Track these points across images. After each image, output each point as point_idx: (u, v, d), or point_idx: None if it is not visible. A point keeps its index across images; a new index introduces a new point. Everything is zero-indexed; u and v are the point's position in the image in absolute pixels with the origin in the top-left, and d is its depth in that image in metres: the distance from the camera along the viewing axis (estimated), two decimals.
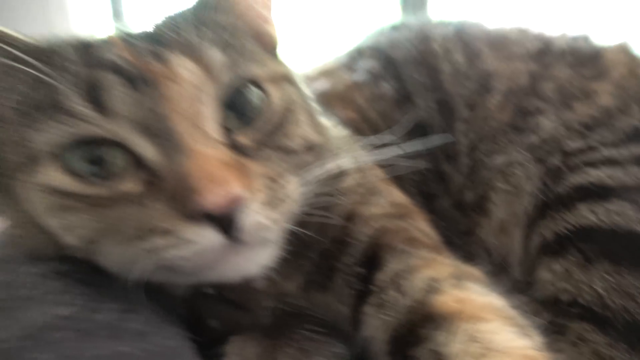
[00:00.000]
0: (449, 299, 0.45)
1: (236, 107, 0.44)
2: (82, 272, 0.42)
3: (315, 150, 0.50)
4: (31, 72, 0.40)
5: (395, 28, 0.83)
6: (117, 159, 0.40)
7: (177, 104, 0.40)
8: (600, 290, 0.50)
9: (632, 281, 0.49)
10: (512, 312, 0.46)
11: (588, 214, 0.55)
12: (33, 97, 0.42)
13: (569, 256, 0.53)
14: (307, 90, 0.55)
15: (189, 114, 0.40)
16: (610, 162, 0.59)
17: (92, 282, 0.42)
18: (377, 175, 0.63)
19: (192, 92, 0.40)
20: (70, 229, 0.41)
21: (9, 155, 0.43)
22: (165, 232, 0.38)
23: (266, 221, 0.40)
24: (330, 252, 0.53)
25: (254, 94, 0.45)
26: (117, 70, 0.40)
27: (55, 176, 0.41)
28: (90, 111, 0.39)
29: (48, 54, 0.42)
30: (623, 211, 0.53)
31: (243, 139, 0.43)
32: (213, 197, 0.36)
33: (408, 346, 0.42)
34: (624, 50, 0.76)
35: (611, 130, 0.63)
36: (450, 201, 0.67)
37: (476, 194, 0.65)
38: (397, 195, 0.62)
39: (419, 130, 0.71)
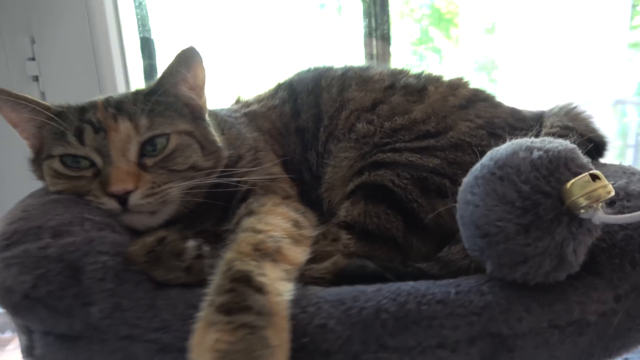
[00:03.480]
0: (264, 208, 0.86)
1: (151, 144, 0.87)
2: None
3: (200, 169, 0.92)
4: (54, 124, 0.88)
5: (307, 70, 1.27)
6: (85, 162, 0.86)
7: (114, 142, 0.85)
8: (355, 214, 0.89)
9: (373, 209, 0.88)
10: (298, 218, 0.87)
11: (365, 176, 0.94)
12: (54, 133, 0.88)
13: (351, 199, 0.93)
14: (215, 137, 0.97)
15: (120, 147, 0.85)
16: (395, 150, 0.98)
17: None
18: (270, 160, 1.06)
19: (125, 138, 0.85)
20: (55, 185, 0.88)
21: (44, 153, 0.90)
22: (96, 197, 0.83)
23: (142, 203, 0.82)
24: (227, 198, 0.96)
25: (160, 140, 0.88)
26: (90, 123, 0.87)
27: (57, 164, 0.88)
28: (76, 143, 0.86)
29: (63, 113, 0.90)
30: (382, 174, 0.92)
31: (148, 161, 0.86)
32: (115, 187, 0.81)
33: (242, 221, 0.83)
34: (451, 83, 1.15)
35: (409, 133, 1.01)
36: (310, 175, 1.08)
37: (321, 169, 1.06)
38: (275, 170, 1.04)
39: (300, 132, 1.14)
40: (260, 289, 0.62)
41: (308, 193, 1.06)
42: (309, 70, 1.27)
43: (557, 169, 0.62)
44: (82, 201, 0.81)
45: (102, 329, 0.63)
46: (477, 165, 0.69)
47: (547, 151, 0.63)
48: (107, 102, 0.91)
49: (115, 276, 0.66)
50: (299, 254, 0.77)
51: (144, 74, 1.97)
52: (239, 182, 0.96)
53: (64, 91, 1.73)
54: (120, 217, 0.84)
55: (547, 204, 0.61)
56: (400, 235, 0.86)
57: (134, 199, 0.82)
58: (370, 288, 0.67)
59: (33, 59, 1.70)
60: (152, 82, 0.95)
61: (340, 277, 0.75)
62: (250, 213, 0.85)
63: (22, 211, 0.75)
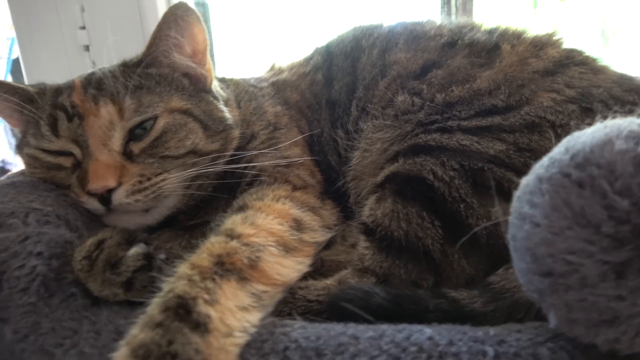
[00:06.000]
0: (260, 203, 0.68)
1: (141, 128, 0.71)
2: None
3: (203, 153, 0.74)
4: (28, 111, 0.73)
5: (353, 29, 1.04)
6: (64, 155, 0.72)
7: (93, 130, 0.68)
8: (379, 215, 0.67)
9: (403, 209, 0.66)
10: (303, 218, 0.68)
11: (399, 163, 0.71)
12: (29, 119, 0.75)
13: (377, 193, 0.71)
14: (223, 114, 0.80)
15: (100, 136, 0.68)
16: (444, 130, 0.73)
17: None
18: (290, 140, 0.87)
19: (106, 124, 0.69)
20: (33, 175, 0.74)
21: (22, 140, 0.77)
22: (76, 194, 0.69)
23: (128, 201, 0.66)
24: (234, 187, 0.80)
25: (150, 122, 0.71)
26: (62, 109, 0.71)
27: (33, 150, 0.73)
28: (50, 134, 0.71)
29: (35, 98, 0.75)
30: (421, 162, 0.68)
31: (134, 147, 0.70)
32: (94, 185, 0.66)
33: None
34: (535, 41, 0.86)
35: (468, 107, 0.76)
36: (337, 159, 0.87)
37: (350, 153, 0.84)
38: (294, 152, 0.85)
39: (331, 106, 0.93)
40: (200, 326, 0.44)
41: (335, 181, 0.86)
42: (354, 29, 1.04)
43: None
44: (43, 186, 0.68)
45: (15, 353, 0.49)
46: (544, 160, 0.44)
47: None
48: (87, 81, 0.75)
49: (43, 286, 0.52)
50: (289, 269, 0.58)
51: None
52: (246, 166, 0.79)
53: (114, 60, 1.68)
54: (106, 218, 0.70)
55: None
56: (437, 247, 0.63)
57: (118, 198, 0.66)
58: (368, 331, 0.47)
59: (84, 27, 1.65)
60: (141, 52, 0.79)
61: (331, 306, 0.55)
62: (242, 208, 0.67)
63: None
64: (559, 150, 0.43)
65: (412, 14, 1.80)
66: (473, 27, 0.92)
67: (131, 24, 1.61)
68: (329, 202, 0.80)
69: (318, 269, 0.66)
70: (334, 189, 0.84)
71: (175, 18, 0.75)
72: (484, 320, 0.53)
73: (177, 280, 0.48)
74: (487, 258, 0.64)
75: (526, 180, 0.45)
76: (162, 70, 0.77)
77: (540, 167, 0.44)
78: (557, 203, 0.39)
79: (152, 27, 1.65)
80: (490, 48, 0.85)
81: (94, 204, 0.67)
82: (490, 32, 0.90)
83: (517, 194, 0.46)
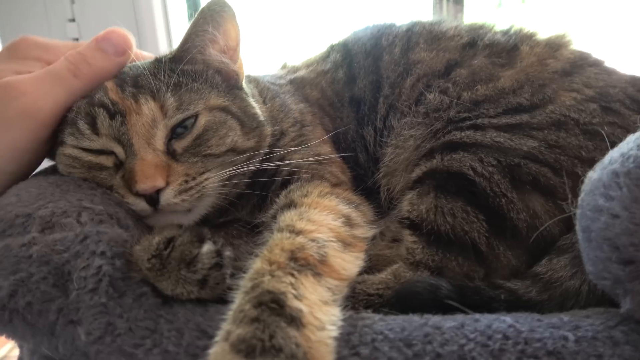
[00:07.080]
0: (308, 199, 0.69)
1: (182, 126, 0.70)
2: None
3: (240, 151, 0.74)
4: None
5: (366, 28, 1.06)
6: (105, 154, 0.69)
7: (136, 128, 0.67)
8: (423, 210, 0.69)
9: (447, 204, 0.68)
10: (350, 213, 0.69)
11: (436, 160, 0.73)
12: (64, 118, 0.70)
13: (417, 189, 0.73)
14: (255, 110, 0.80)
15: (143, 134, 0.67)
16: (476, 127, 0.76)
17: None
18: (318, 137, 0.88)
19: (149, 122, 0.67)
20: (72, 174, 0.71)
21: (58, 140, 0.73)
22: (121, 195, 0.67)
23: (176, 201, 0.66)
24: (267, 184, 0.79)
25: (190, 121, 0.70)
26: (103, 106, 0.68)
27: (71, 149, 0.70)
28: (90, 133, 0.68)
29: None
30: (460, 158, 0.71)
31: (177, 146, 0.69)
32: (143, 186, 0.64)
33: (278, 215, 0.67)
34: (550, 42, 0.90)
35: (495, 105, 0.79)
36: (366, 156, 0.89)
37: (379, 150, 0.86)
38: (324, 150, 0.86)
39: (355, 103, 0.94)
40: (294, 319, 0.44)
41: (363, 178, 0.87)
42: (367, 28, 1.05)
43: None
44: (86, 185, 0.66)
45: (90, 355, 0.48)
46: (614, 155, 0.47)
47: None
48: (121, 80, 0.72)
49: (111, 286, 0.51)
50: (351, 264, 0.59)
51: None
52: (280, 164, 0.79)
53: None
54: (150, 219, 0.69)
55: None
56: (483, 240, 0.65)
57: (166, 198, 0.65)
58: (448, 322, 0.48)
59: (73, 20, 1.59)
60: (175, 48, 0.78)
61: (400, 299, 0.56)
62: (290, 205, 0.67)
63: (15, 194, 0.61)
64: (630, 147, 0.46)
65: (404, 12, 1.84)
66: (488, 28, 0.96)
67: (124, 15, 1.57)
68: (363, 199, 0.81)
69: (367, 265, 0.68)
70: (366, 186, 0.86)
71: (212, 14, 0.74)
72: (541, 309, 0.56)
73: (258, 276, 0.49)
74: (527, 250, 0.67)
75: (597, 175, 0.48)
76: (197, 67, 0.76)
77: (611, 162, 0.47)
78: (638, 195, 0.42)
79: (145, 18, 1.63)
80: (510, 49, 0.88)
81: (140, 205, 0.65)
82: (507, 33, 0.94)
83: (586, 188, 0.49)
